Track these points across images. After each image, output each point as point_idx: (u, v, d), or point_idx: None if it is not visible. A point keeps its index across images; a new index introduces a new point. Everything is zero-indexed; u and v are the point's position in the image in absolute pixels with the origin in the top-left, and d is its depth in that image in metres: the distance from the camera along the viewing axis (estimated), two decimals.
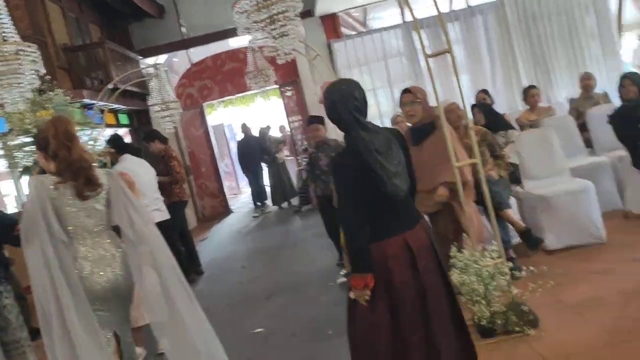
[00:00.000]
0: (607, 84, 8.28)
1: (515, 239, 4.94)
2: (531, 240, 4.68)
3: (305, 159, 7.33)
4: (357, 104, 2.53)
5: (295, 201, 11.12)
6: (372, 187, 2.44)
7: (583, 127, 6.30)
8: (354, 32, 11.26)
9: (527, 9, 9.58)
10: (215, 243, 9.55)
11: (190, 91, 12.36)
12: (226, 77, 12.28)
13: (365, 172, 2.43)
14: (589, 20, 9.66)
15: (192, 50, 11.67)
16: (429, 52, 4.21)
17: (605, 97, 6.84)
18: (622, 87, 5.27)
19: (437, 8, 3.89)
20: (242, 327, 4.93)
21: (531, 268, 3.87)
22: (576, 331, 3.42)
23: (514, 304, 3.55)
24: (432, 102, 4.02)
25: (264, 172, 11.84)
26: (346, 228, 2.51)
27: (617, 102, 5.82)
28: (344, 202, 2.49)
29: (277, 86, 11.86)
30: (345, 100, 2.51)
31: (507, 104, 9.39)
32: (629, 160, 5.19)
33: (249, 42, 8.40)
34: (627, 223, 5.26)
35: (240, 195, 15.09)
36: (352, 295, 2.52)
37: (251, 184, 12.01)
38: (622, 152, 5.36)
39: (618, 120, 5.16)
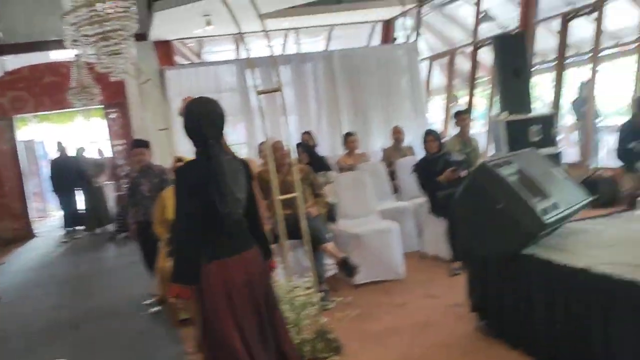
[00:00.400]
0: (414, 139, 9.25)
1: (329, 273, 5.27)
2: (347, 268, 4.98)
3: (127, 184, 7.08)
4: (220, 125, 2.63)
5: (111, 227, 10.57)
6: (210, 204, 2.50)
7: (392, 175, 6.97)
8: (187, 62, 11.25)
9: (352, 63, 10.42)
10: (14, 268, 8.68)
11: (0, 101, 11.25)
12: (44, 90, 11.37)
13: (208, 189, 2.49)
14: (404, 82, 10.79)
15: (5, 57, 10.69)
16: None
17: (411, 150, 7.70)
18: (426, 142, 5.97)
19: (271, 50, 4.13)
20: (41, 356, 4.55)
21: (339, 299, 4.20)
22: (374, 356, 3.75)
23: (322, 332, 3.79)
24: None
25: (78, 195, 11.10)
26: (176, 237, 2.54)
27: (421, 155, 6.56)
28: (180, 212, 2.55)
29: (102, 106, 11.31)
30: (211, 117, 2.60)
31: (330, 147, 10.01)
32: (428, 207, 5.88)
33: (75, 55, 8.01)
34: (422, 263, 5.89)
35: (48, 219, 13.91)
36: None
37: (63, 206, 11.18)
38: (422, 200, 6.04)
39: (420, 171, 5.84)
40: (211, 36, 10.80)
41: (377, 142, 10.17)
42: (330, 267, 5.23)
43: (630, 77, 7.77)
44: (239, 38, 10.34)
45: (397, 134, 7.76)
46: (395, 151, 7.57)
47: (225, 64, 10.41)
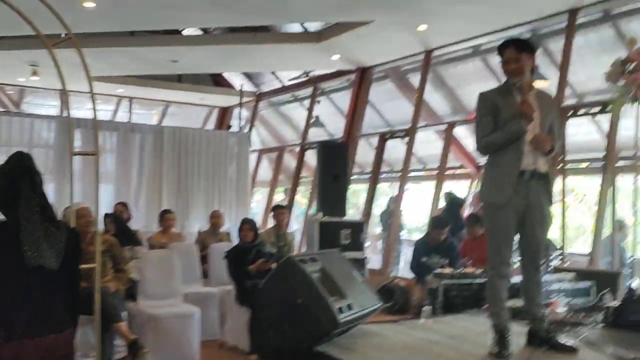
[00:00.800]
0: (234, 226, 9.27)
1: (117, 355, 4.89)
2: (134, 348, 4.67)
3: None
4: (39, 182, 2.34)
5: None
6: (13, 274, 2.21)
7: (204, 259, 6.86)
8: (2, 109, 10.35)
9: (182, 142, 10.33)
10: None
11: None
12: None
13: (13, 256, 2.19)
14: (231, 170, 10.92)
15: None
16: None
17: (228, 236, 7.71)
18: (241, 230, 6.02)
19: (94, 112, 4.00)
20: None
21: None
22: None
23: None
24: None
25: None
26: None
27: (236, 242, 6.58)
28: None
29: None
30: (29, 175, 2.31)
31: (146, 222, 9.61)
32: (234, 295, 5.84)
33: None
34: (220, 352, 5.73)
35: None
36: None
37: None
38: (230, 287, 5.98)
39: (232, 257, 5.84)
40: (35, 87, 10.13)
41: (195, 224, 10.02)
42: (121, 348, 4.88)
43: (430, 199, 8.74)
44: (64, 95, 9.84)
45: (216, 218, 7.76)
46: (211, 235, 7.52)
47: (45, 118, 9.73)
